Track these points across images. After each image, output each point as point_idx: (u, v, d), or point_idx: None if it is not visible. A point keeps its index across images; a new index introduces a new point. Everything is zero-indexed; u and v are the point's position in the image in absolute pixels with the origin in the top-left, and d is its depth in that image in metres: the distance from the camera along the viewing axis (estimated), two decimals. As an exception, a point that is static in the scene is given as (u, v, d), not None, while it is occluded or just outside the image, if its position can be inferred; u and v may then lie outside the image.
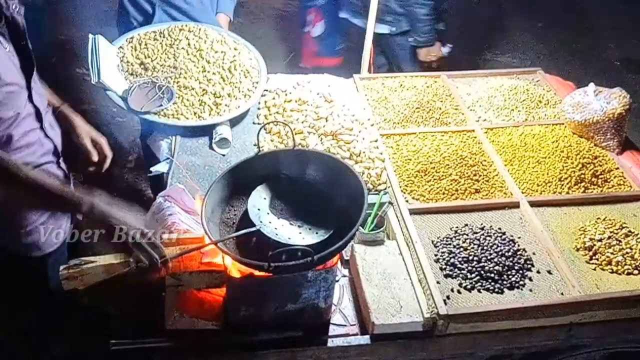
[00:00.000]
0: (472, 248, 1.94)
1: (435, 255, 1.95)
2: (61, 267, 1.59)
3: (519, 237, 2.03)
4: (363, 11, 3.23)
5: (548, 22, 6.04)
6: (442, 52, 3.43)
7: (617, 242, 2.00)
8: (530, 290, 1.86)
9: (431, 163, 2.25)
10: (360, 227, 1.88)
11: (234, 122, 2.49)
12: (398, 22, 3.36)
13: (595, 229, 2.04)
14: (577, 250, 2.01)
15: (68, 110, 2.01)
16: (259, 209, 1.75)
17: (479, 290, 1.85)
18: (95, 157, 2.00)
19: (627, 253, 1.97)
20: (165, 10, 2.83)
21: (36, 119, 1.83)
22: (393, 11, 3.33)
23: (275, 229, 1.71)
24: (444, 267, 1.91)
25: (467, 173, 2.22)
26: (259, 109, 2.59)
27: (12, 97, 1.69)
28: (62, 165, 1.98)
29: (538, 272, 1.92)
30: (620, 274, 1.93)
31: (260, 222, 1.70)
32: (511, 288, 1.86)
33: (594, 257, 1.97)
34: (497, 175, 2.26)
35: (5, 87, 1.65)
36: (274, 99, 2.60)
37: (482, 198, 2.17)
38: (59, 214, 1.95)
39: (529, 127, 2.50)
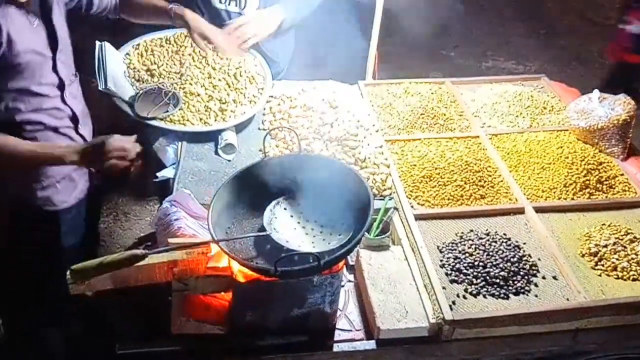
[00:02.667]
0: (478, 253, 1.94)
1: (441, 260, 1.95)
2: (68, 272, 1.60)
3: (524, 243, 2.03)
4: None
5: (550, 29, 6.06)
6: None
7: (623, 248, 2.00)
8: (536, 296, 1.86)
9: (436, 169, 2.25)
10: (365, 233, 1.89)
11: (239, 128, 2.50)
12: None
13: (601, 234, 2.04)
14: (583, 256, 2.01)
15: (180, 11, 2.37)
16: (268, 216, 1.76)
17: (484, 296, 1.85)
18: (209, 49, 2.42)
19: (632, 259, 1.97)
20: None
21: (57, 88, 2.02)
22: None
23: (284, 234, 1.72)
24: (449, 272, 1.91)
25: (472, 179, 2.23)
26: (264, 114, 2.60)
27: (33, 65, 1.91)
28: (81, 130, 2.14)
29: (543, 277, 1.92)
30: (625, 279, 1.93)
31: (272, 227, 1.71)
32: (517, 294, 1.86)
33: (599, 263, 1.97)
34: (502, 181, 2.27)
35: (25, 54, 1.87)
36: (279, 104, 2.61)
37: (487, 204, 2.18)
38: (75, 173, 2.15)
39: (534, 133, 2.50)
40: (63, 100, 2.05)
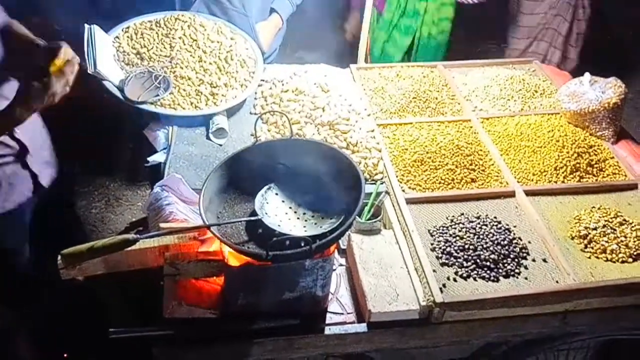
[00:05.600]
0: (468, 237, 1.95)
1: (432, 244, 1.96)
2: (59, 256, 1.60)
3: (515, 226, 2.04)
4: None
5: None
6: None
7: (612, 230, 2.01)
8: (526, 279, 1.88)
9: (427, 153, 2.26)
10: (357, 217, 1.89)
11: (230, 112, 2.49)
12: None
13: (590, 217, 2.06)
14: (572, 238, 2.02)
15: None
16: (260, 200, 1.76)
17: (474, 279, 1.86)
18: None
19: (621, 241, 1.98)
20: (205, 2, 2.81)
21: None
22: None
23: (276, 218, 1.72)
24: (440, 255, 1.92)
25: (463, 162, 2.23)
26: (255, 99, 2.59)
27: None
28: (28, 162, 2.06)
29: (533, 260, 1.94)
30: (614, 262, 1.95)
31: (263, 212, 1.71)
32: (507, 276, 1.88)
33: (588, 246, 1.99)
34: (493, 164, 2.28)
35: None
36: (270, 89, 2.60)
37: (478, 187, 2.19)
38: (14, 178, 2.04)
39: (525, 116, 2.51)
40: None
